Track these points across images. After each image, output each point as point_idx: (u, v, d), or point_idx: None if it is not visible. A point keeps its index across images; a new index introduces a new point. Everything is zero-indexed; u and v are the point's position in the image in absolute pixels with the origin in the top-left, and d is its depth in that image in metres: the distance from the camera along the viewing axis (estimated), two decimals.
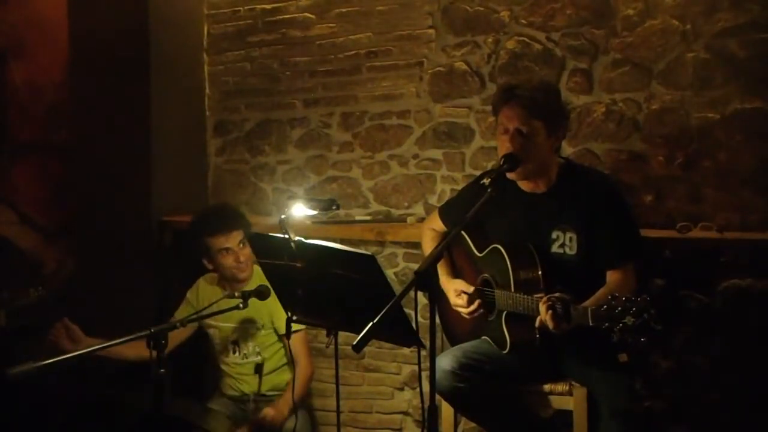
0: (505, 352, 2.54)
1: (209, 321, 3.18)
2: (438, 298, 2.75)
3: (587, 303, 2.30)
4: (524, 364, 2.58)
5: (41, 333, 3.56)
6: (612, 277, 2.49)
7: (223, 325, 3.19)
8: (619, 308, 1.99)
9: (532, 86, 2.54)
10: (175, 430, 2.65)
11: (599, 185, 2.57)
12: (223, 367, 3.22)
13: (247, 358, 3.19)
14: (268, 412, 2.99)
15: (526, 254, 2.51)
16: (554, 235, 2.54)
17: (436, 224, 2.93)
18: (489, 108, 3.33)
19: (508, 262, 2.49)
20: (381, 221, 3.54)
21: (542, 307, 2.27)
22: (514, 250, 2.52)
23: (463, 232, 2.72)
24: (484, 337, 2.68)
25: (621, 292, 2.32)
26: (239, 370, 3.19)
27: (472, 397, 2.54)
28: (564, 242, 2.52)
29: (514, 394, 2.62)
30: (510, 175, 2.50)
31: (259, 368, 2.61)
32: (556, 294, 2.27)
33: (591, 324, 2.11)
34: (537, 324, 2.33)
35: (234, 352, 3.20)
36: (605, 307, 2.03)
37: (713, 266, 2.90)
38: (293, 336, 3.07)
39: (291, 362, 3.15)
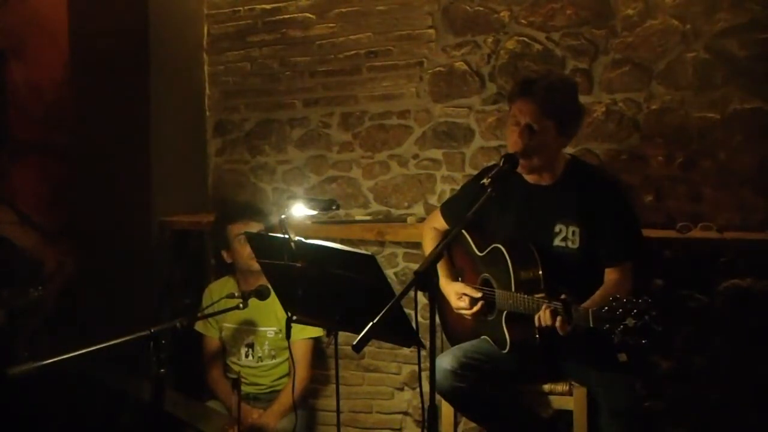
0: (505, 351, 2.54)
1: (225, 323, 3.20)
2: (437, 298, 2.75)
3: (585, 306, 2.31)
4: (524, 363, 2.58)
5: (41, 333, 3.57)
6: (609, 276, 2.49)
7: (238, 327, 3.21)
8: (621, 310, 1.98)
9: (550, 83, 2.50)
10: (170, 427, 2.65)
11: (604, 182, 2.58)
12: (235, 368, 3.24)
13: (261, 361, 3.21)
14: (254, 414, 3.05)
15: (527, 253, 2.51)
16: (557, 228, 2.54)
17: (438, 223, 2.92)
18: (489, 108, 3.36)
19: (509, 262, 2.49)
20: (381, 221, 3.54)
21: (546, 313, 2.27)
22: (515, 249, 2.52)
23: (463, 231, 2.72)
24: (483, 337, 2.68)
25: (617, 294, 2.33)
26: (250, 372, 3.20)
27: (472, 396, 2.54)
28: (566, 236, 2.52)
29: (514, 394, 2.62)
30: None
31: (236, 383, 2.61)
32: (560, 296, 2.27)
33: (591, 325, 2.11)
34: (536, 324, 2.33)
35: (247, 356, 3.22)
36: (606, 308, 2.03)
37: (713, 266, 2.91)
38: (297, 342, 3.11)
39: (291, 369, 3.17)
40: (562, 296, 2.27)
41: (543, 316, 2.28)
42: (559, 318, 2.24)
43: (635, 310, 1.95)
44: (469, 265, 2.77)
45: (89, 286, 3.68)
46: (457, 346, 2.71)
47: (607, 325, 2.02)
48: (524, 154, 2.45)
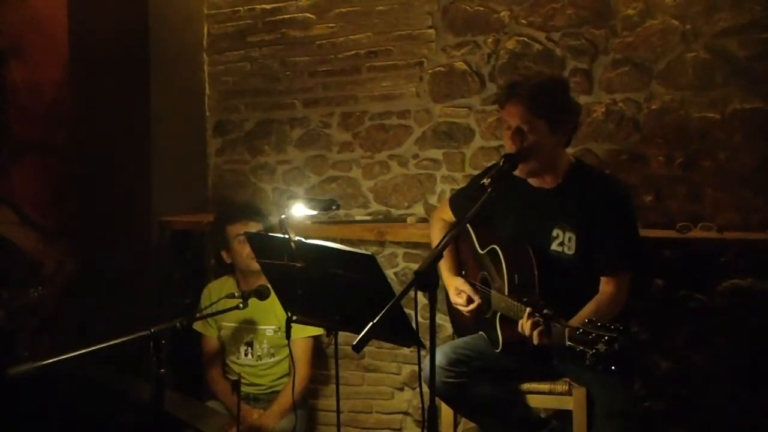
0: (497, 350, 2.54)
1: (224, 322, 3.21)
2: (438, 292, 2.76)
3: (572, 321, 2.30)
4: (518, 362, 2.58)
5: (41, 333, 3.57)
6: (604, 288, 2.47)
7: (237, 326, 3.21)
8: (594, 334, 1.99)
9: (535, 83, 2.52)
10: (170, 427, 2.65)
11: (606, 189, 2.54)
12: (234, 367, 3.24)
13: (261, 359, 3.21)
14: (254, 415, 3.05)
15: (522, 257, 2.50)
16: (554, 233, 2.53)
17: (446, 214, 2.93)
18: (489, 108, 3.36)
19: (504, 266, 2.49)
20: (381, 221, 3.54)
21: (527, 323, 2.26)
22: (511, 252, 2.52)
23: (469, 227, 2.72)
24: (480, 333, 2.69)
25: (609, 309, 2.36)
26: (250, 371, 3.21)
27: (462, 392, 2.55)
28: (563, 241, 2.52)
29: (507, 391, 2.62)
30: (516, 172, 2.49)
31: (236, 385, 2.60)
32: (543, 310, 2.26)
33: (567, 344, 2.11)
34: (519, 330, 2.32)
35: (246, 354, 3.22)
36: (581, 331, 2.03)
37: (713, 266, 2.90)
38: (297, 341, 3.11)
39: (291, 368, 3.18)
40: (545, 311, 2.25)
41: (524, 325, 2.28)
42: (537, 330, 2.23)
43: (606, 337, 1.96)
44: (472, 261, 2.78)
45: (89, 286, 3.68)
46: (447, 343, 2.75)
47: (581, 347, 2.02)
48: (520, 155, 2.45)
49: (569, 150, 2.67)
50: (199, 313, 3.17)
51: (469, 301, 2.65)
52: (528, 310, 2.26)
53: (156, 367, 2.22)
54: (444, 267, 2.79)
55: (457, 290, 2.70)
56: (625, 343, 1.94)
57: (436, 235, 2.93)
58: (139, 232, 3.66)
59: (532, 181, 2.60)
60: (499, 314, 2.51)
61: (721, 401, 2.91)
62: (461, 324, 2.85)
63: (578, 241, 2.49)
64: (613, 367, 1.94)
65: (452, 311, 2.89)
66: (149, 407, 2.34)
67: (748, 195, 2.96)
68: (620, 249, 2.48)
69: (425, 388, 2.21)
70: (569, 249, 2.51)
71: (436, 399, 2.25)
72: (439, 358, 2.52)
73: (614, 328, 1.96)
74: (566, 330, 2.10)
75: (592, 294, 2.45)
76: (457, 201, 2.89)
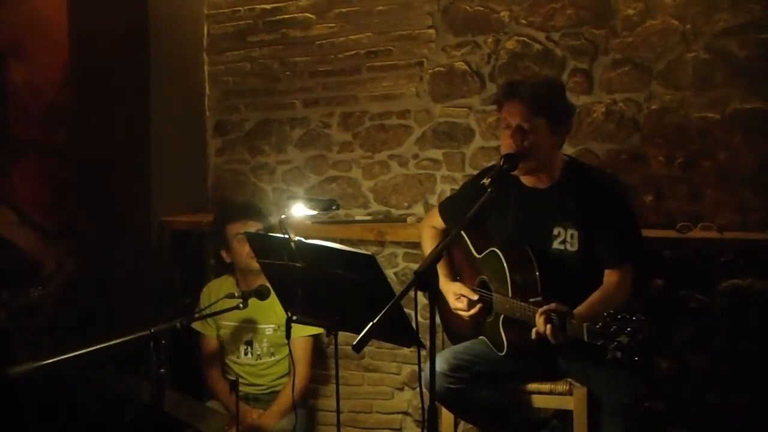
0: (502, 354, 2.53)
1: (223, 321, 3.20)
2: (438, 298, 2.75)
3: (581, 309, 2.30)
4: (521, 364, 2.58)
5: (41, 333, 3.57)
6: (609, 278, 2.49)
7: (236, 325, 3.21)
8: (615, 327, 1.98)
9: (535, 83, 2.55)
10: (170, 427, 2.65)
11: (602, 184, 2.57)
12: (234, 366, 3.23)
13: (260, 358, 3.21)
14: (253, 415, 3.05)
15: (523, 258, 2.50)
16: (556, 231, 2.54)
17: (436, 221, 2.92)
18: (489, 108, 3.36)
19: (506, 267, 2.49)
20: (381, 221, 3.54)
21: (540, 319, 2.26)
22: (511, 253, 2.52)
23: (462, 232, 2.72)
24: (481, 338, 2.68)
25: (616, 296, 2.37)
26: (250, 371, 3.20)
27: (463, 397, 2.54)
28: (565, 239, 2.52)
29: (508, 394, 2.62)
30: (514, 171, 2.50)
31: (234, 385, 2.60)
32: (553, 305, 2.26)
33: (586, 339, 2.11)
34: (533, 336, 2.31)
35: (246, 354, 3.22)
36: (600, 324, 2.03)
37: (713, 266, 2.90)
38: (297, 340, 3.11)
39: (290, 368, 3.18)
40: (558, 306, 2.25)
41: (538, 324, 2.27)
42: (549, 327, 2.23)
43: (629, 328, 1.95)
44: (468, 266, 2.77)
45: (89, 286, 3.68)
46: (448, 348, 2.73)
47: (601, 341, 2.02)
48: (520, 155, 2.45)
49: (568, 151, 2.67)
50: (199, 312, 3.17)
51: (471, 305, 2.64)
52: (540, 309, 2.26)
53: (156, 367, 2.22)
54: (440, 273, 2.77)
55: (457, 295, 2.68)
56: (648, 334, 1.94)
57: (427, 243, 2.92)
58: (139, 232, 3.66)
59: (527, 182, 2.60)
60: (502, 317, 2.51)
61: (721, 401, 2.91)
62: (457, 331, 2.83)
63: (581, 237, 2.50)
64: (636, 358, 1.93)
65: (446, 319, 2.88)
66: (149, 407, 2.34)
67: (748, 195, 2.97)
68: (622, 242, 2.49)
69: (425, 388, 2.21)
70: (572, 246, 2.51)
71: None
72: (440, 364, 2.51)
73: (636, 319, 1.95)
74: (585, 326, 2.10)
75: (593, 290, 2.46)
76: (448, 207, 2.88)
